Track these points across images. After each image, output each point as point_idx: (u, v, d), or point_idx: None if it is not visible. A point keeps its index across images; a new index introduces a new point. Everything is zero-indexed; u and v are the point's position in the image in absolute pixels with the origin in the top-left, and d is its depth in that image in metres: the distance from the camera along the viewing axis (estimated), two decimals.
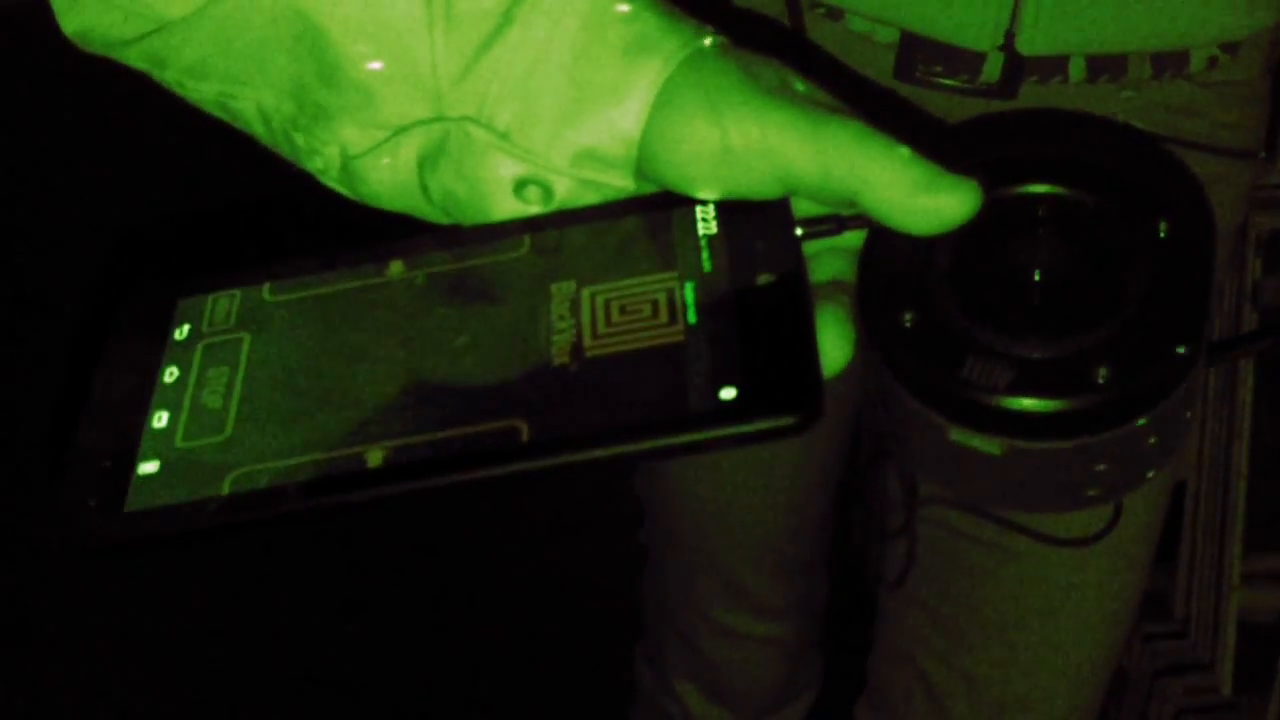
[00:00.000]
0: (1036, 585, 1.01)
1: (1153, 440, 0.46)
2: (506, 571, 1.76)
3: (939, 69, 0.82)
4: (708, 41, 0.48)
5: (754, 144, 0.46)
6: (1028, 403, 0.45)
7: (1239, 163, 0.91)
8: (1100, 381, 0.45)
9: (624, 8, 0.48)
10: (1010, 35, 0.80)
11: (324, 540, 1.71)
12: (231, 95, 0.51)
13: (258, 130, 0.52)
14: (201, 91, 0.52)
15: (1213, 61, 0.85)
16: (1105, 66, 0.82)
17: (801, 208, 0.48)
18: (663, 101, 0.47)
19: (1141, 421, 0.45)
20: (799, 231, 0.47)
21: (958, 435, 0.46)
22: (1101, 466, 0.46)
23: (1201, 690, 1.40)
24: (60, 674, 1.67)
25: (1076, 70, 0.82)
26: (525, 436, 0.42)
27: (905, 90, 0.84)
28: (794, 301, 0.44)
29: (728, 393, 0.41)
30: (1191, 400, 0.48)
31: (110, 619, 1.70)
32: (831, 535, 1.25)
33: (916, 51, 0.82)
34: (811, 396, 0.41)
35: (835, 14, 0.83)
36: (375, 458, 0.42)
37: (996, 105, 0.83)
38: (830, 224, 0.48)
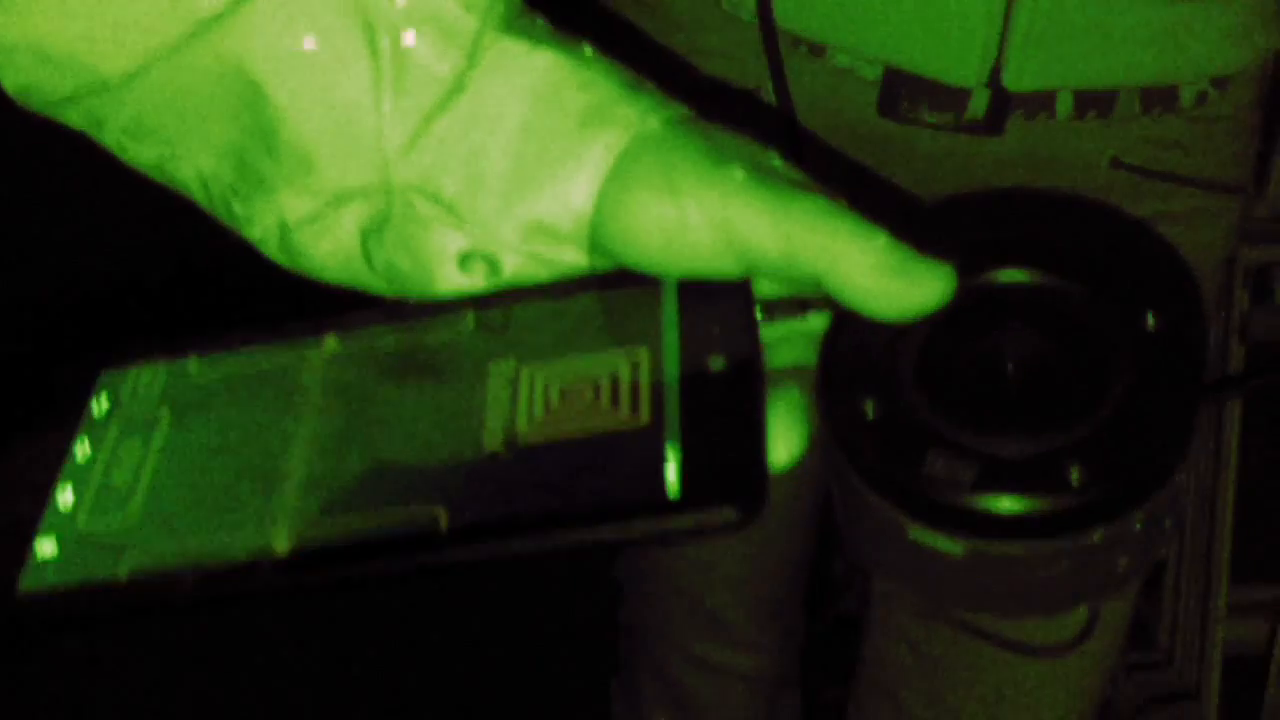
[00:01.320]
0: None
1: (1127, 549, 0.44)
2: (480, 603, 1.75)
3: (924, 105, 0.81)
4: (669, 113, 0.46)
5: (713, 220, 0.43)
6: (992, 502, 0.42)
7: (1228, 197, 0.90)
8: (1073, 482, 0.42)
9: (583, 76, 0.46)
10: (996, 71, 0.79)
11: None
12: (170, 159, 0.49)
13: (197, 196, 0.50)
14: (141, 154, 0.50)
15: (1202, 96, 0.84)
16: (1093, 102, 0.81)
17: (764, 289, 0.46)
18: (617, 174, 0.44)
19: (1110, 529, 0.42)
20: (759, 315, 0.44)
21: (917, 534, 0.43)
22: (1070, 572, 0.43)
23: None
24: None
25: (1064, 106, 0.81)
26: (444, 525, 0.39)
27: (890, 129, 0.82)
28: (746, 391, 0.42)
29: (668, 487, 0.39)
30: (1174, 506, 0.45)
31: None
32: (810, 566, 1.24)
33: (901, 87, 0.81)
34: (755, 492, 0.39)
35: (817, 50, 0.82)
36: (281, 544, 0.40)
37: (982, 142, 0.82)
38: (793, 307, 0.46)
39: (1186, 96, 0.83)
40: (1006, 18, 0.77)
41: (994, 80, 0.79)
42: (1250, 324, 1.25)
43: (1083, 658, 0.98)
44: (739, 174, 0.44)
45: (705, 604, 1.17)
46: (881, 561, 0.47)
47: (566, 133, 0.45)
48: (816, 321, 0.46)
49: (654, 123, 0.45)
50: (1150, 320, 0.45)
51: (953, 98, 0.80)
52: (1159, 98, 0.82)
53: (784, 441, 0.42)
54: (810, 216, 0.43)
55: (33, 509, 0.42)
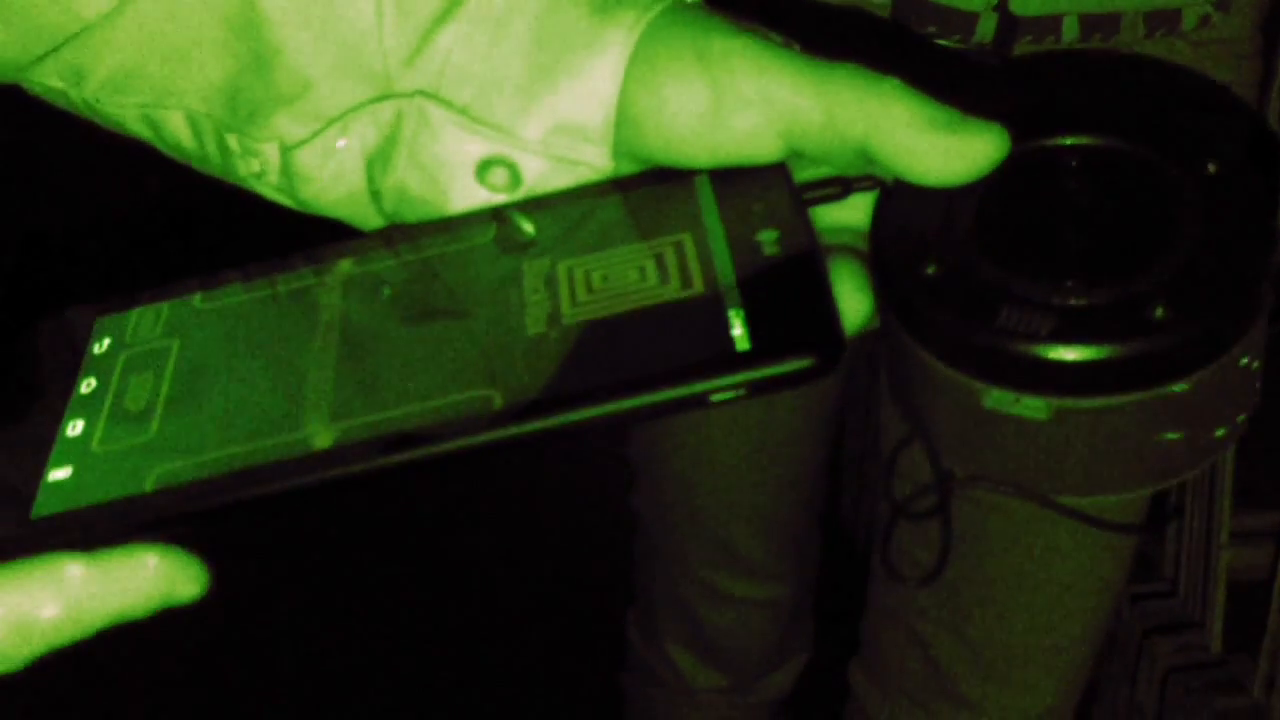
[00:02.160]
0: (1034, 548, 1.01)
1: (1227, 391, 0.40)
2: (494, 536, 1.76)
3: (933, 30, 0.82)
4: None
5: (749, 92, 0.41)
6: (1076, 351, 0.38)
7: None
8: (1157, 320, 0.38)
9: None
10: None
11: (313, 531, 1.71)
12: (156, 105, 0.46)
13: (185, 145, 0.47)
14: (123, 107, 0.47)
15: (1205, 19, 0.85)
16: (1098, 25, 0.82)
17: (803, 173, 0.43)
18: (642, 55, 0.42)
19: (1212, 367, 0.39)
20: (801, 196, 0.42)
21: (994, 401, 0.40)
22: (1171, 430, 0.40)
23: (1191, 648, 1.40)
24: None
25: (1069, 29, 0.82)
26: (498, 404, 0.38)
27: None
28: (801, 252, 0.40)
29: (738, 342, 0.37)
30: (1260, 356, 0.41)
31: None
32: (824, 496, 1.25)
33: (910, 12, 0.82)
34: (827, 337, 0.37)
35: None
36: (323, 439, 0.38)
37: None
38: (835, 187, 0.43)
39: (1189, 19, 0.84)
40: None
41: (1001, 4, 0.80)
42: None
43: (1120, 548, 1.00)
44: (770, 44, 0.41)
45: (721, 534, 1.18)
46: (957, 443, 0.43)
47: (582, 22, 0.42)
48: (860, 213, 0.44)
49: (672, 1, 0.43)
50: (1212, 167, 0.42)
51: (961, 21, 0.81)
52: (1162, 20, 0.83)
53: (850, 300, 0.41)
54: (852, 79, 0.41)
55: (42, 442, 0.40)
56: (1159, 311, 0.39)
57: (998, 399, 0.40)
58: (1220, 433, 0.41)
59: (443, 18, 0.43)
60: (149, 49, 0.45)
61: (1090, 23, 0.82)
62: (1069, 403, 0.39)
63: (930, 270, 0.41)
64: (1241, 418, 0.42)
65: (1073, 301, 0.39)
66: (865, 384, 1.42)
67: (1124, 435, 0.40)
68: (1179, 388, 0.39)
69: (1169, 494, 1.40)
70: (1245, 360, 0.40)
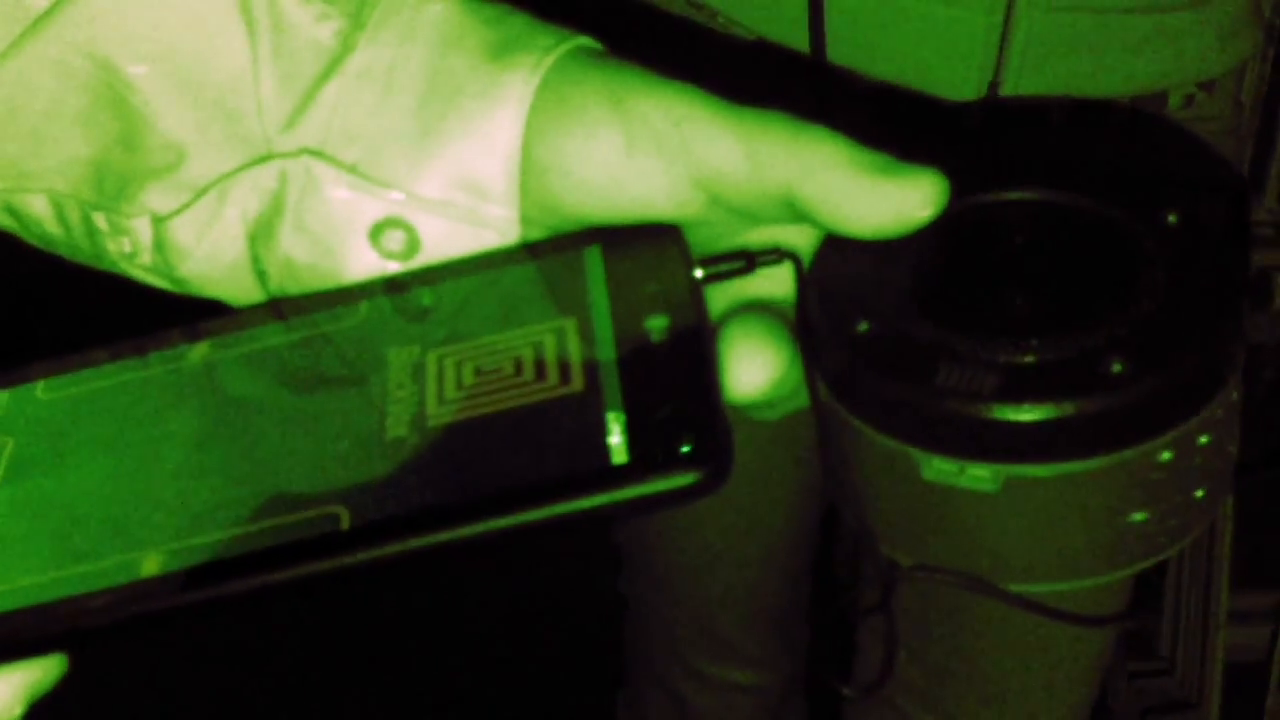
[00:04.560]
0: (1020, 627, 1.00)
1: (1199, 458, 0.36)
2: (484, 617, 1.74)
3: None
4: (587, 41, 0.40)
5: (665, 137, 0.37)
6: (1025, 411, 0.34)
7: None
8: (1115, 374, 0.35)
9: (486, 14, 0.40)
10: (994, 86, 0.79)
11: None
12: (17, 189, 0.43)
13: (50, 231, 0.44)
14: None
15: (1189, 100, 0.85)
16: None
17: (711, 234, 0.40)
18: (545, 101, 0.39)
19: (1181, 428, 0.35)
20: (699, 273, 0.38)
21: (935, 472, 0.36)
22: (1139, 502, 0.36)
23: None
24: None
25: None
26: (344, 523, 0.34)
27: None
28: (691, 346, 0.36)
29: (615, 453, 0.34)
30: (1232, 421, 0.38)
31: None
32: (812, 581, 1.24)
33: (899, 101, 0.81)
34: (714, 450, 0.33)
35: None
36: (151, 565, 0.35)
37: None
38: (738, 261, 0.39)
39: (1175, 100, 0.84)
40: (1004, 36, 0.78)
41: (991, 94, 0.80)
42: (1249, 327, 1.25)
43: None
44: (689, 88, 0.38)
45: (707, 620, 1.17)
46: (897, 526, 0.39)
47: (477, 69, 0.39)
48: (767, 275, 0.39)
49: (575, 47, 0.40)
50: (1172, 218, 0.38)
51: (951, 110, 0.81)
52: (1148, 102, 0.83)
53: (745, 368, 0.37)
54: (776, 123, 0.37)
55: None
56: (1116, 366, 0.35)
57: (939, 469, 0.36)
58: (1199, 494, 0.37)
59: (325, 75, 0.40)
60: (5, 128, 0.42)
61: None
62: (1020, 470, 0.35)
63: (861, 329, 0.37)
64: (1209, 490, 0.38)
65: (1020, 358, 0.35)
66: None
67: (1085, 508, 0.36)
68: (1144, 450, 0.35)
69: (1165, 569, 1.39)
70: (1219, 419, 0.37)
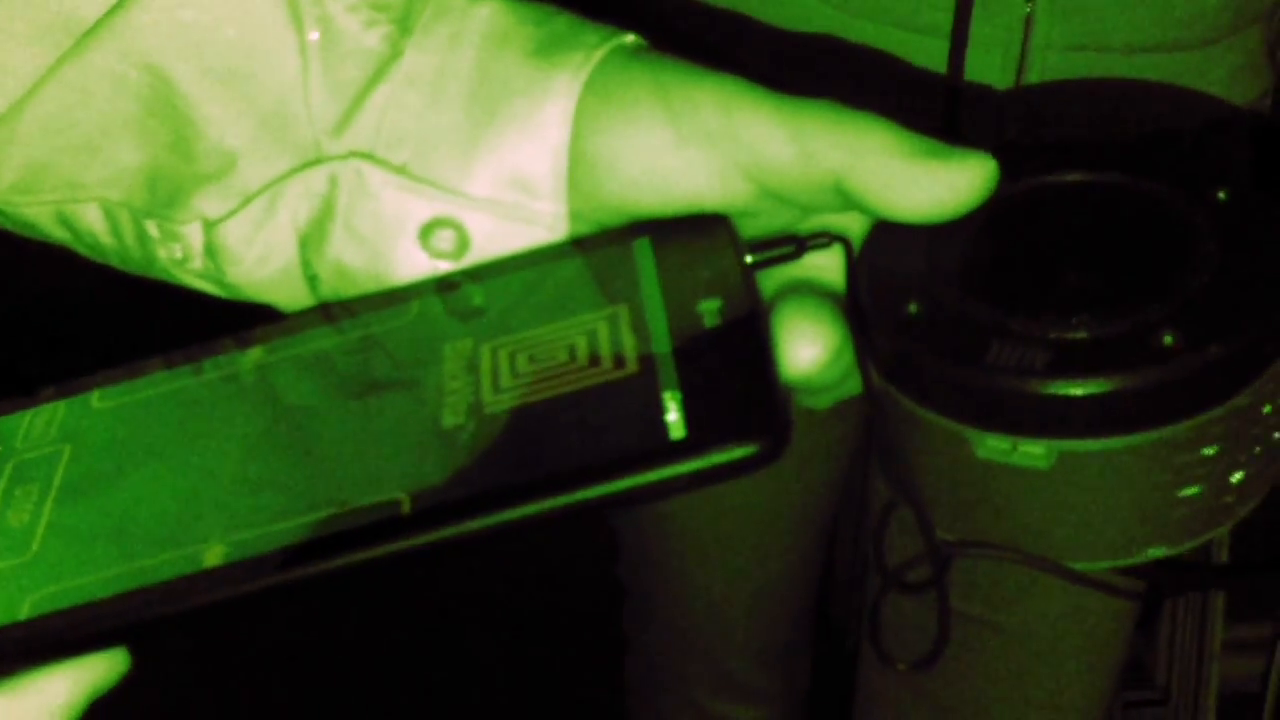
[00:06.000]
0: (1021, 659, 1.00)
1: (1248, 432, 0.36)
2: (482, 650, 1.74)
3: None
4: (631, 37, 0.40)
5: (714, 127, 0.37)
6: (1077, 386, 0.34)
7: None
8: (1167, 347, 0.34)
9: (533, 13, 0.40)
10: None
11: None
12: (72, 200, 0.43)
13: (103, 241, 0.44)
14: (35, 208, 0.44)
15: None
16: None
17: (761, 222, 0.40)
18: (592, 96, 0.39)
19: (1233, 401, 0.35)
20: (749, 258, 0.38)
21: (988, 449, 0.36)
22: (1188, 477, 0.36)
23: None
24: None
25: None
26: (405, 509, 0.34)
27: None
28: (744, 325, 0.36)
29: (673, 429, 0.34)
30: None
31: None
32: (815, 614, 1.24)
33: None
34: (772, 423, 0.34)
35: None
36: (214, 556, 0.35)
37: None
38: (788, 245, 0.39)
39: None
40: (1018, 75, 0.79)
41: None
42: None
43: (1097, 623, 0.98)
44: (736, 79, 0.38)
45: (710, 655, 1.17)
46: (950, 504, 0.39)
47: (524, 68, 0.39)
48: (816, 260, 0.40)
49: (620, 43, 0.40)
50: (1223, 195, 0.38)
51: None
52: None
53: (798, 345, 0.37)
54: (825, 111, 0.37)
55: None
56: (1168, 339, 0.35)
57: (992, 447, 0.36)
58: (1236, 477, 0.37)
59: (374, 79, 0.40)
60: (60, 139, 0.42)
61: None
62: (1072, 445, 0.35)
63: (912, 310, 0.37)
64: (1256, 467, 0.37)
65: (1071, 334, 0.35)
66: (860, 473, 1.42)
67: (1137, 484, 0.36)
68: (1196, 423, 0.35)
69: (1161, 605, 1.39)
70: (1271, 392, 0.36)
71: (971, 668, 1.03)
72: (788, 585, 1.15)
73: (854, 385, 0.39)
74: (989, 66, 0.79)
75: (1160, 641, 1.42)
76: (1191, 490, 0.36)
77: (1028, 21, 0.77)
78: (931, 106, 0.80)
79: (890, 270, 0.39)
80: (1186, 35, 0.79)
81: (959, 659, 1.02)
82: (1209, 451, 0.36)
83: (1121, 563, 0.37)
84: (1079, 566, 0.38)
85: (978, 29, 0.79)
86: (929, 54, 0.79)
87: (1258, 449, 0.37)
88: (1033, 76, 0.78)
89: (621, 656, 1.26)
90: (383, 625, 1.70)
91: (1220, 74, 0.82)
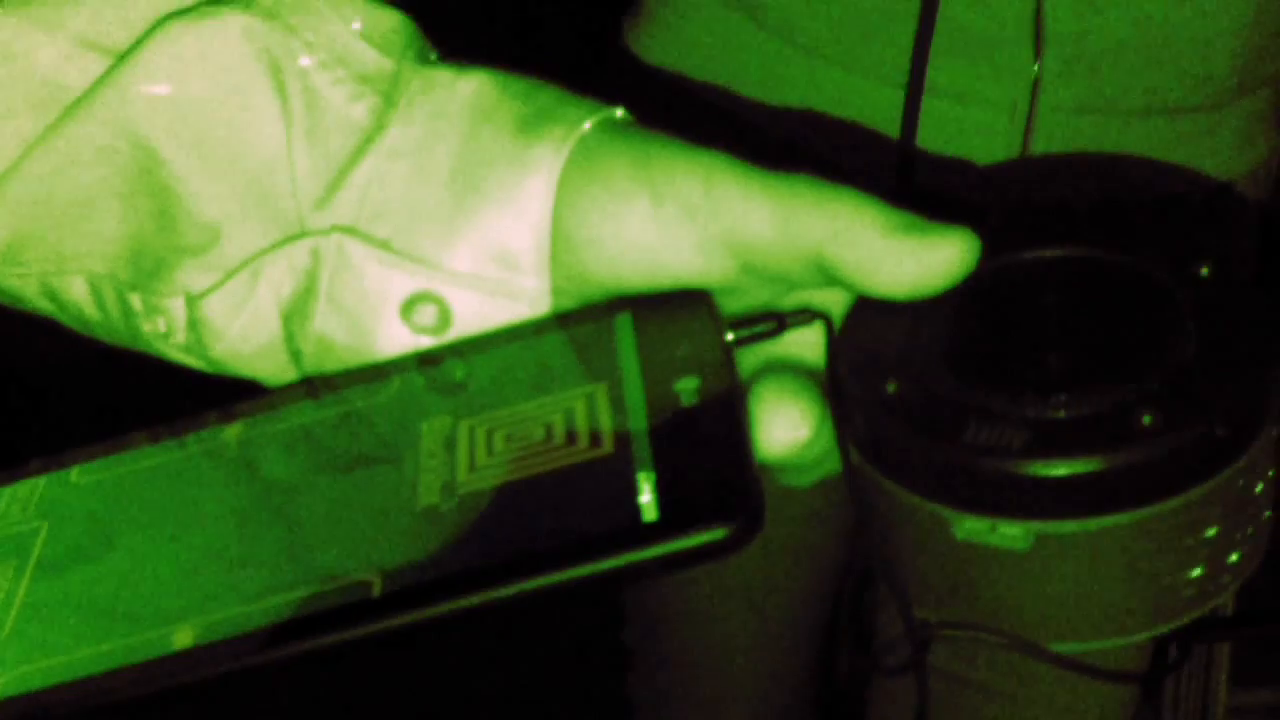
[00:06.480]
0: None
1: (1232, 510, 0.36)
2: (492, 706, 1.73)
3: None
4: (619, 112, 0.41)
5: (696, 202, 0.38)
6: (1055, 466, 0.34)
7: None
8: (1146, 426, 0.34)
9: (517, 88, 0.41)
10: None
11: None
12: (56, 274, 0.43)
13: (87, 314, 0.44)
14: (20, 280, 0.44)
15: None
16: None
17: (740, 299, 0.40)
18: (575, 171, 0.39)
19: (1214, 481, 0.35)
20: (730, 335, 0.39)
21: (967, 531, 0.36)
22: (1173, 554, 0.35)
23: None
24: None
25: None
26: (376, 591, 0.34)
27: None
28: (721, 405, 0.36)
29: (645, 511, 0.34)
30: (1265, 470, 0.37)
31: None
32: (817, 682, 1.23)
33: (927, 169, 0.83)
34: (746, 505, 0.33)
35: None
36: (184, 638, 0.35)
37: None
38: (770, 322, 0.39)
39: None
40: (1025, 138, 0.80)
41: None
42: None
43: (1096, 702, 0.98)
44: (717, 154, 0.38)
45: (718, 716, 1.16)
46: (930, 585, 0.38)
47: (507, 143, 0.39)
48: (798, 337, 0.40)
49: (605, 118, 0.40)
50: (1205, 270, 0.38)
51: None
52: None
53: (785, 420, 0.37)
54: (806, 187, 0.37)
55: None
56: (1146, 419, 0.35)
57: (971, 528, 0.36)
58: (1234, 558, 0.37)
59: (358, 153, 0.41)
60: (45, 210, 0.42)
61: None
62: (1050, 527, 0.35)
63: (891, 389, 0.37)
64: (1245, 540, 0.37)
65: (1049, 414, 0.35)
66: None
67: (1116, 564, 0.36)
68: (1174, 504, 0.35)
69: (1165, 674, 1.38)
70: (1251, 471, 0.36)
71: None
72: (789, 646, 1.14)
73: (834, 464, 0.39)
74: (996, 128, 0.79)
75: (1165, 706, 1.41)
76: (1172, 570, 0.36)
77: (1035, 83, 0.78)
78: (925, 167, 0.80)
79: (870, 348, 0.39)
80: (1195, 98, 0.79)
81: None
82: (1188, 530, 0.36)
83: (1106, 644, 0.37)
84: (1062, 648, 0.38)
85: (985, 90, 0.79)
86: (934, 113, 0.80)
87: (1250, 529, 0.37)
88: (1040, 138, 0.79)
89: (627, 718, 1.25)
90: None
91: (1227, 137, 0.82)
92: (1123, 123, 0.79)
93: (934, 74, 0.79)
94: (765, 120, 0.85)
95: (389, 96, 0.41)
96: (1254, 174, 0.86)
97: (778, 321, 0.39)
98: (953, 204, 0.38)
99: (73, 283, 0.44)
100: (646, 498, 0.34)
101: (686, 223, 0.38)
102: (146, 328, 0.43)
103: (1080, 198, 0.42)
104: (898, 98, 0.80)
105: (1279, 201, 0.95)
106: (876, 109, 0.82)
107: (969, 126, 0.80)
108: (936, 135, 0.81)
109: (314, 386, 0.42)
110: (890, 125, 0.82)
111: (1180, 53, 0.79)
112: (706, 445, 0.35)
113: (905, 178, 0.81)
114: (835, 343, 0.39)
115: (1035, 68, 0.77)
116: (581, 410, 0.37)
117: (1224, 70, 0.79)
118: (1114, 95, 0.78)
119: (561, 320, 0.40)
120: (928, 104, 0.80)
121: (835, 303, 0.41)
